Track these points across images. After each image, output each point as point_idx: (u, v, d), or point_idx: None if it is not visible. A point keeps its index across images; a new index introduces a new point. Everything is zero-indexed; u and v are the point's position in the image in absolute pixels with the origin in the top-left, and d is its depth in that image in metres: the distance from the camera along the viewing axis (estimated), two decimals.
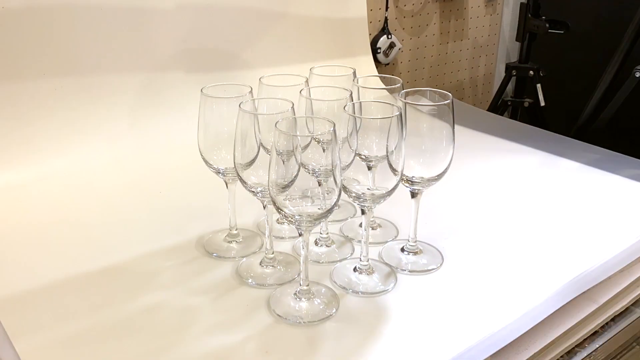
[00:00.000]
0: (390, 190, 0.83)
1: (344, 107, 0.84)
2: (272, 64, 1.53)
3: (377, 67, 1.78)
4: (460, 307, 0.84)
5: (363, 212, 0.86)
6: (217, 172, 0.91)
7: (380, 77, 1.03)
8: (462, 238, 1.02)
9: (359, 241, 0.99)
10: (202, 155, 0.91)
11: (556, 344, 0.81)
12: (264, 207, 0.87)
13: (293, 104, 0.81)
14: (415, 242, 0.96)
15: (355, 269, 0.91)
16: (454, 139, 0.87)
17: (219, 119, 0.88)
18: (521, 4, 1.95)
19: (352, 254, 0.97)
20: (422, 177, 0.89)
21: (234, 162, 0.83)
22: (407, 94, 0.88)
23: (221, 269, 0.93)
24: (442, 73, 2.07)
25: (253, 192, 0.84)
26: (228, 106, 0.86)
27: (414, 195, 0.92)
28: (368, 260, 0.91)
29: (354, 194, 0.84)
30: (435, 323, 0.81)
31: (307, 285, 0.85)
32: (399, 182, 0.83)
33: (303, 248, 0.81)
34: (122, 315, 0.82)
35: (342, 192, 0.78)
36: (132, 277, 0.91)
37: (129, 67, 1.35)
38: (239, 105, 0.80)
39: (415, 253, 0.96)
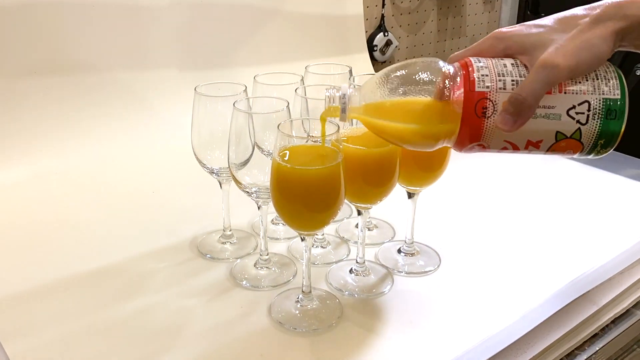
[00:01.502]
0: None
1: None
2: (267, 62, 1.53)
3: (373, 65, 1.79)
4: (458, 310, 0.85)
5: (359, 213, 0.87)
6: (211, 172, 0.91)
7: None
8: (460, 239, 1.02)
9: (355, 242, 0.99)
10: (195, 155, 0.91)
11: (555, 347, 0.81)
12: (259, 208, 0.87)
13: (288, 103, 0.81)
14: (412, 243, 0.96)
15: (351, 271, 0.91)
16: None
17: (213, 118, 0.88)
18: (520, 0, 1.95)
19: (348, 255, 0.97)
20: None
21: (228, 162, 0.83)
22: None
23: (215, 270, 0.92)
24: None
25: (247, 192, 0.84)
26: (222, 105, 0.86)
27: (410, 195, 0.92)
28: (364, 262, 0.91)
29: None
30: (432, 326, 0.81)
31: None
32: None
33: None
34: (115, 317, 0.82)
35: None
36: (125, 278, 0.90)
37: (122, 65, 1.35)
38: (233, 104, 0.80)
39: (412, 254, 0.96)
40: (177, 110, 1.38)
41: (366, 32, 1.78)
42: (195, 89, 0.88)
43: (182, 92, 1.39)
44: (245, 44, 1.51)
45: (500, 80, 0.65)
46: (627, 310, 0.92)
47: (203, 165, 0.91)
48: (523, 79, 0.66)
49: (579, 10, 0.67)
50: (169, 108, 1.39)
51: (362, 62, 1.75)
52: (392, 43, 1.82)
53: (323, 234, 1.00)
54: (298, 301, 0.84)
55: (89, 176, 1.22)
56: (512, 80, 0.65)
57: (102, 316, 0.82)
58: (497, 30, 0.70)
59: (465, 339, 0.78)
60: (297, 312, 0.83)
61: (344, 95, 0.70)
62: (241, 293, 0.87)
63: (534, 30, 0.68)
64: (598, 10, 0.66)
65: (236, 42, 1.50)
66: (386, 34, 1.80)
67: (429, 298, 0.87)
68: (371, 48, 1.79)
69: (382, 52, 1.81)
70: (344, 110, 0.71)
